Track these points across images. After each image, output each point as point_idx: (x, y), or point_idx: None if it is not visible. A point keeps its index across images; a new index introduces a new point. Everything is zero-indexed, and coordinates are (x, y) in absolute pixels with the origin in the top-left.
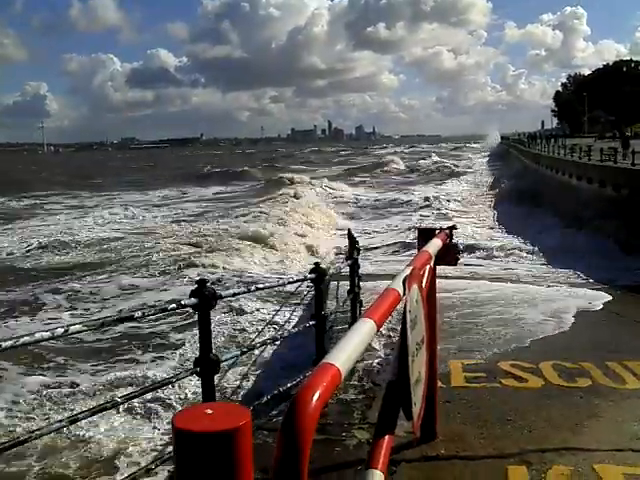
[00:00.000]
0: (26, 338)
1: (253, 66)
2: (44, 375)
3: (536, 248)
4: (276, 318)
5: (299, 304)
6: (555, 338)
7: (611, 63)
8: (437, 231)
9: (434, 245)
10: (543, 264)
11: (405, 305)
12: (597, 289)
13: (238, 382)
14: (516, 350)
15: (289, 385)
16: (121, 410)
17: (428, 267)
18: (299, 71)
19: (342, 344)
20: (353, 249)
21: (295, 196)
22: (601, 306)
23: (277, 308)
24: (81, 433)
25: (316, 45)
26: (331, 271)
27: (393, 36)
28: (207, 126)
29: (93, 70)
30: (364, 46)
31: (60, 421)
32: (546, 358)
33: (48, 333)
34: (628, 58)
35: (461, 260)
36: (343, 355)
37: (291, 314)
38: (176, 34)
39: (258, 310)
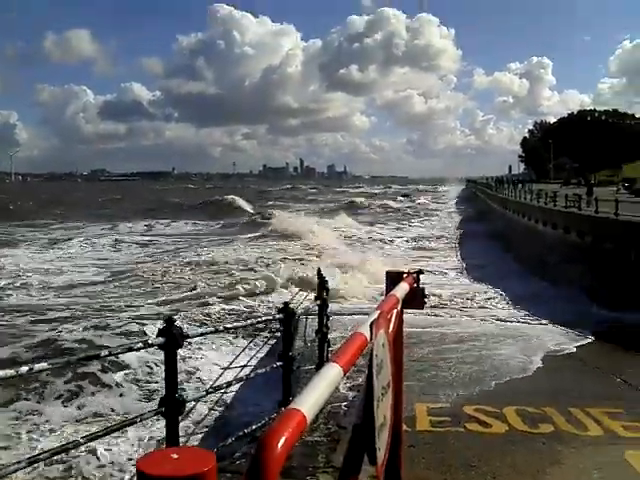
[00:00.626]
0: None
1: (227, 103)
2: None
3: (501, 291)
4: (242, 357)
5: (266, 342)
6: (519, 382)
7: (576, 112)
8: (405, 275)
9: (401, 289)
10: (509, 309)
11: (372, 349)
12: (562, 335)
13: (203, 422)
14: (481, 394)
15: (254, 427)
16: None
17: (395, 311)
18: (272, 109)
19: (308, 389)
20: (322, 289)
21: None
22: (566, 351)
23: (244, 346)
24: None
25: (290, 84)
26: (299, 311)
27: (365, 78)
28: (179, 160)
29: (65, 101)
30: (337, 87)
31: (19, 462)
32: (510, 403)
33: (12, 371)
34: (591, 108)
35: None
36: (309, 401)
37: (257, 352)
38: (150, 69)
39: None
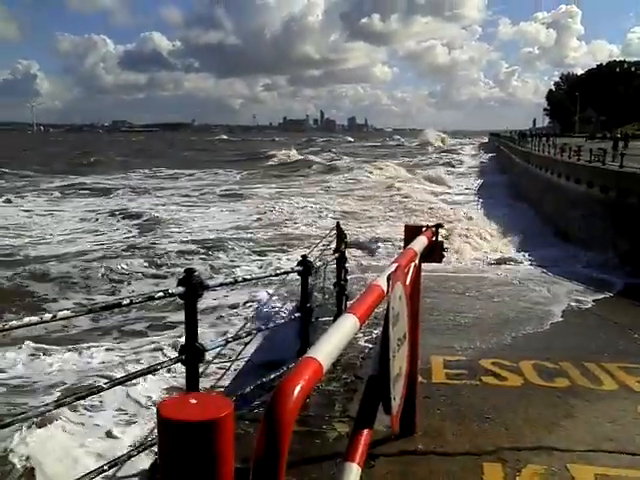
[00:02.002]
0: (14, 322)
1: (247, 53)
2: None
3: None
4: (262, 309)
5: (287, 296)
6: (537, 336)
7: (604, 63)
8: (424, 229)
9: (420, 243)
10: (527, 262)
11: (388, 302)
12: (581, 290)
13: (222, 372)
14: (498, 347)
15: (272, 376)
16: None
17: (413, 264)
18: (293, 60)
19: (324, 339)
20: (341, 242)
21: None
22: (584, 307)
23: (264, 298)
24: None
25: (310, 34)
26: (318, 263)
27: (387, 28)
28: (199, 112)
29: (85, 51)
30: (358, 37)
31: (47, 404)
32: (527, 357)
33: (37, 318)
34: (621, 59)
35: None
36: (325, 350)
37: (276, 306)
38: (170, 18)
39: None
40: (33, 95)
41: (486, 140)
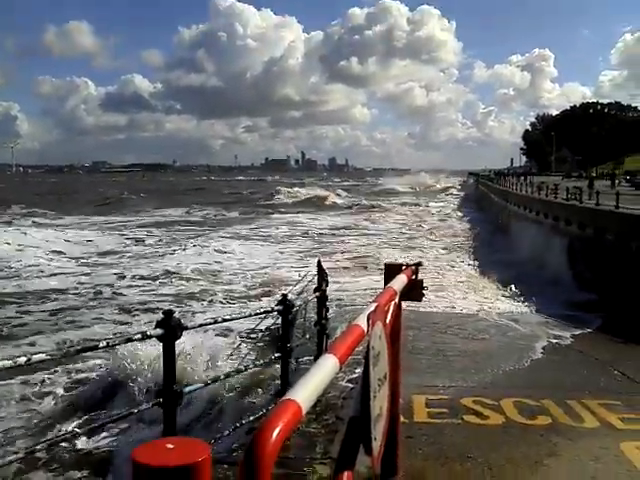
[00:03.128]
0: None
1: (228, 95)
2: None
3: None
4: (241, 349)
5: (264, 334)
6: (517, 373)
7: (578, 105)
8: (403, 267)
9: (400, 281)
10: (506, 298)
11: (368, 341)
12: (559, 326)
13: (200, 414)
14: (478, 385)
15: (252, 418)
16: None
17: (393, 303)
18: (273, 102)
19: (304, 380)
20: (322, 280)
21: None
22: (564, 343)
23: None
24: None
25: (291, 77)
26: (298, 302)
27: (365, 71)
28: (180, 153)
29: (67, 93)
30: (337, 79)
31: (16, 452)
32: (508, 394)
33: (9, 362)
34: (593, 100)
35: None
36: (305, 392)
37: (255, 346)
38: (151, 61)
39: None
40: (13, 136)
41: (464, 179)
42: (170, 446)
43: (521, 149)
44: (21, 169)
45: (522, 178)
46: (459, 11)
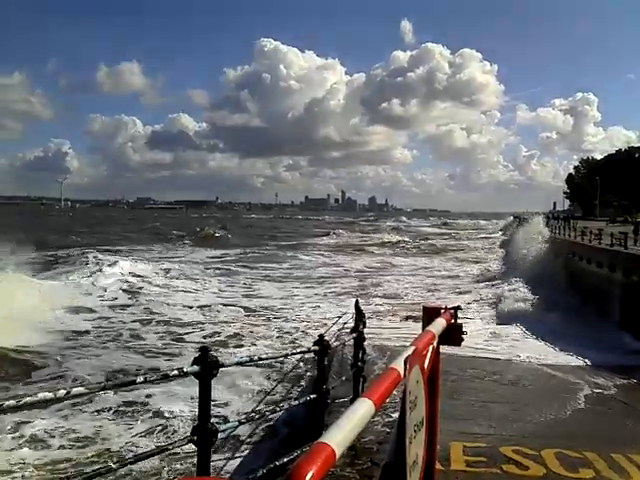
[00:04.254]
0: (28, 399)
1: (270, 134)
2: None
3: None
4: (276, 389)
5: (301, 375)
6: (559, 423)
7: (623, 149)
8: (442, 310)
9: (438, 325)
10: (547, 345)
11: (405, 386)
12: (604, 376)
13: (233, 453)
14: (518, 434)
15: (285, 460)
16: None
17: (432, 347)
18: (315, 141)
19: (339, 423)
20: (359, 322)
21: None
22: (608, 393)
23: (278, 378)
24: None
25: (332, 117)
26: (335, 343)
27: (407, 112)
28: (222, 190)
29: (115, 130)
30: (379, 121)
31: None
32: (549, 445)
33: (50, 394)
34: (638, 145)
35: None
36: (339, 435)
37: (291, 387)
38: (197, 100)
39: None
40: (62, 172)
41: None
42: None
43: (564, 193)
44: (69, 203)
45: (564, 222)
46: (501, 54)
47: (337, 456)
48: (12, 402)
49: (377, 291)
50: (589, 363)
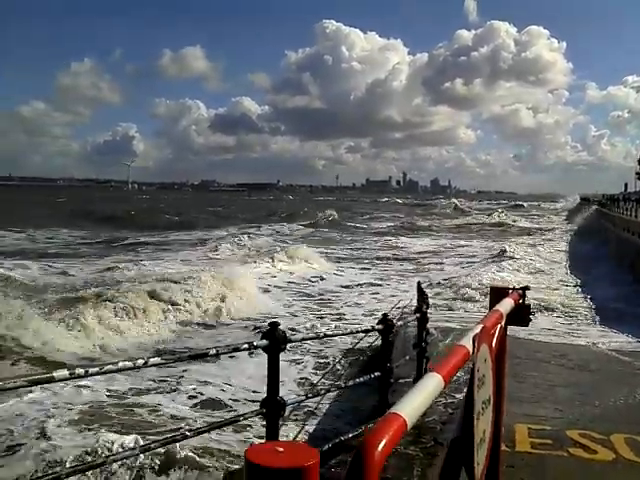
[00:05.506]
0: (110, 366)
1: (331, 117)
2: None
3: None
4: (341, 366)
5: (363, 353)
6: (630, 409)
7: None
8: (510, 290)
9: (506, 304)
10: (616, 328)
11: (474, 363)
12: None
13: (299, 427)
14: (586, 418)
15: (350, 435)
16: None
17: (499, 326)
18: (376, 123)
19: (409, 396)
20: (422, 302)
21: None
22: None
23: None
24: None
25: (394, 98)
26: (399, 323)
27: (470, 92)
28: (283, 173)
29: (179, 114)
30: (441, 101)
31: (133, 449)
32: (619, 430)
33: (130, 363)
34: None
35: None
36: (410, 406)
37: (356, 364)
38: (259, 84)
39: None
40: (130, 155)
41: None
42: (280, 449)
43: (637, 173)
44: (136, 186)
45: (636, 204)
46: (569, 31)
47: (408, 427)
48: (95, 369)
49: None
50: None
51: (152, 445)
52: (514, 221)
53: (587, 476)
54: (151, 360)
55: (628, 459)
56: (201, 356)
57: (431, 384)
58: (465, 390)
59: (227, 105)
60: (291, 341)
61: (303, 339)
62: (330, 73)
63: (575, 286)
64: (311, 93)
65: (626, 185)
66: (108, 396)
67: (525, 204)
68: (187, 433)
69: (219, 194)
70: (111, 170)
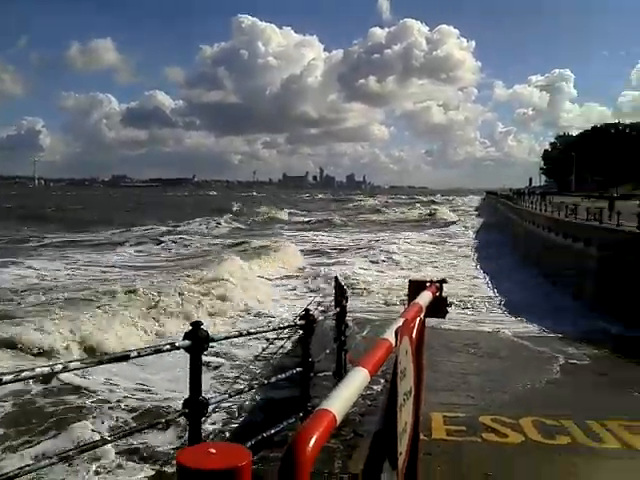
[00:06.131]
0: (27, 373)
1: (247, 112)
2: None
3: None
4: (261, 362)
5: (282, 348)
6: (535, 393)
7: (598, 125)
8: (428, 284)
9: (425, 297)
10: (522, 318)
11: (396, 356)
12: (578, 347)
13: (222, 426)
14: (497, 404)
15: (272, 431)
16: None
17: (419, 319)
18: (292, 118)
19: (338, 391)
20: (341, 297)
21: None
22: (582, 363)
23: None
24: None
25: (310, 94)
26: (320, 318)
27: (384, 89)
28: (199, 168)
29: (89, 108)
30: (356, 98)
31: (50, 457)
32: (526, 413)
33: (48, 369)
34: (612, 121)
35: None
36: (339, 402)
37: (277, 359)
38: (173, 78)
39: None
40: (36, 150)
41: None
42: (212, 451)
43: (541, 169)
44: (43, 182)
45: (540, 197)
46: (478, 31)
47: (338, 422)
48: (10, 377)
49: None
50: (563, 335)
51: (71, 453)
52: (430, 215)
53: (499, 459)
54: (71, 364)
55: (536, 440)
56: (122, 359)
57: (358, 378)
58: (383, 382)
59: (140, 99)
60: (214, 340)
61: (227, 337)
62: (246, 68)
63: (479, 277)
64: (226, 88)
65: (531, 180)
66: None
67: (438, 199)
68: (107, 437)
69: (131, 190)
70: (15, 166)
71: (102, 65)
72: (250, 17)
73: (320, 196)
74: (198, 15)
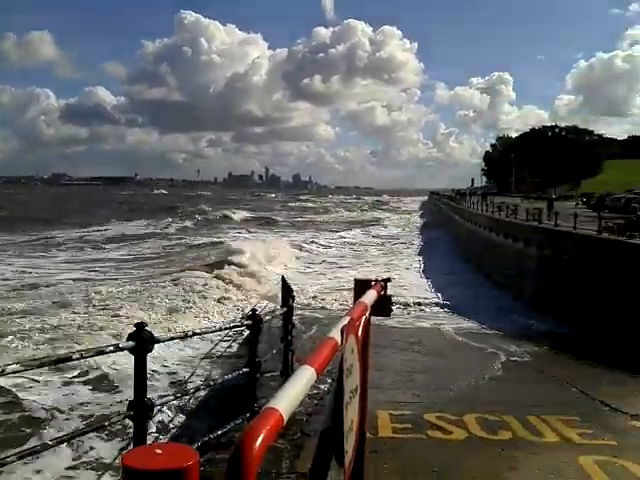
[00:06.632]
0: None
1: (191, 110)
2: None
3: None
4: (208, 362)
5: (230, 348)
6: (478, 390)
7: (537, 127)
8: (373, 282)
9: (370, 296)
10: (465, 318)
11: (342, 354)
12: (518, 345)
13: (169, 427)
14: (441, 402)
15: (219, 432)
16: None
17: (364, 318)
18: (237, 117)
19: (284, 390)
20: (288, 297)
21: None
22: (523, 360)
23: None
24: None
25: (254, 93)
26: (266, 318)
27: (329, 89)
28: (141, 166)
29: (26, 103)
30: (301, 97)
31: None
32: (470, 410)
33: None
34: (550, 124)
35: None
36: (286, 401)
37: (224, 360)
38: (115, 74)
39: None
40: None
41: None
42: (158, 451)
43: (482, 170)
44: None
45: (481, 198)
46: (421, 33)
47: (285, 421)
48: None
49: None
50: (502, 332)
51: (8, 459)
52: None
53: (444, 455)
54: (9, 367)
55: (479, 436)
56: (64, 360)
57: (305, 377)
58: (330, 381)
59: (80, 95)
60: (159, 341)
61: (172, 338)
62: (189, 65)
63: (421, 276)
64: (170, 85)
65: (473, 180)
66: None
67: (384, 199)
68: (48, 442)
69: (71, 188)
70: None
71: (40, 59)
72: (193, 13)
73: (272, 196)
74: (139, 10)
